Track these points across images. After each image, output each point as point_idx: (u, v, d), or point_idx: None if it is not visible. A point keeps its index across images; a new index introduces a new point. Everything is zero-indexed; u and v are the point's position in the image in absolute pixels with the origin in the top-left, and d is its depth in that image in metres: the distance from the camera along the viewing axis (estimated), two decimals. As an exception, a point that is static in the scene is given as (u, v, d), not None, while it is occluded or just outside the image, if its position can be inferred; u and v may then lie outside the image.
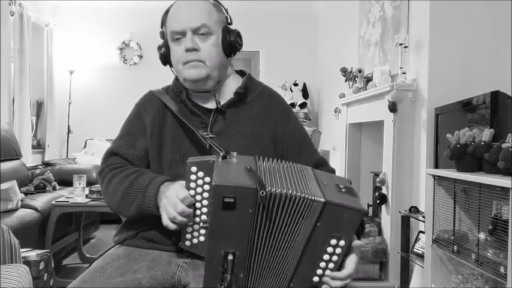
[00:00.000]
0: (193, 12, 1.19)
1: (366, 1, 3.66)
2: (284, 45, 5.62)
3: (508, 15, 2.52)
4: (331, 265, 1.00)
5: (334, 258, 0.99)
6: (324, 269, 1.00)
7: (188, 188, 1.02)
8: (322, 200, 0.94)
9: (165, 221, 1.05)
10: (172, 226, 1.04)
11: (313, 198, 0.94)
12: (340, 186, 1.02)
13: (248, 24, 5.25)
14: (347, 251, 1.01)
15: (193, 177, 1.01)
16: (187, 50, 1.18)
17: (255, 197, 0.92)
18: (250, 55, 5.66)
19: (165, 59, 1.26)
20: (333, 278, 1.00)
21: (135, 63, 5.55)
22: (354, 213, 0.96)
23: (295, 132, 1.28)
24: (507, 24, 2.53)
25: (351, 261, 1.02)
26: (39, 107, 5.16)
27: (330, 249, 0.98)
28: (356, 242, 1.03)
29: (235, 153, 1.04)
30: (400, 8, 2.94)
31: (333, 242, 0.97)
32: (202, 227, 1.03)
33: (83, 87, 5.44)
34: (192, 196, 1.02)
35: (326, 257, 0.99)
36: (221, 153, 1.02)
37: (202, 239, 1.05)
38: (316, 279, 1.00)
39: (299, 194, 0.95)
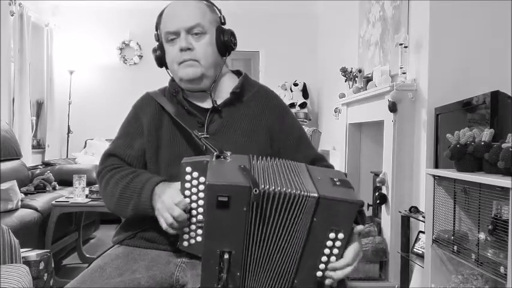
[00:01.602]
0: (187, 12, 1.20)
1: (366, 1, 3.66)
2: (284, 45, 5.62)
3: (508, 15, 2.52)
4: (333, 258, 1.00)
5: (335, 251, 1.00)
6: (326, 263, 1.00)
7: (183, 188, 1.02)
8: (316, 195, 0.95)
9: (163, 224, 1.05)
10: (171, 231, 1.05)
11: (306, 194, 0.95)
12: (335, 179, 1.03)
13: (248, 24, 5.28)
14: (348, 241, 1.01)
15: (188, 177, 1.01)
16: (181, 50, 1.19)
17: (249, 196, 0.93)
18: (250, 55, 5.66)
19: (161, 61, 1.26)
20: (332, 269, 1.00)
21: (135, 63, 5.55)
22: (349, 206, 0.97)
23: (291, 129, 1.29)
24: (507, 24, 2.52)
25: (350, 251, 1.02)
26: (39, 107, 5.16)
27: (329, 243, 0.99)
28: (356, 229, 1.03)
29: (229, 153, 1.04)
30: (400, 8, 2.94)
31: (332, 235, 0.98)
32: (199, 227, 1.04)
33: (83, 87, 5.44)
34: (187, 196, 1.02)
35: (327, 251, 0.99)
36: (215, 153, 1.03)
37: (199, 239, 1.05)
38: (319, 273, 1.01)
39: (293, 191, 0.95)
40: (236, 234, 0.96)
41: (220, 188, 0.93)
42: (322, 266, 1.00)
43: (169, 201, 1.03)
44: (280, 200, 0.95)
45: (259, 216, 0.96)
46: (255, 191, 0.92)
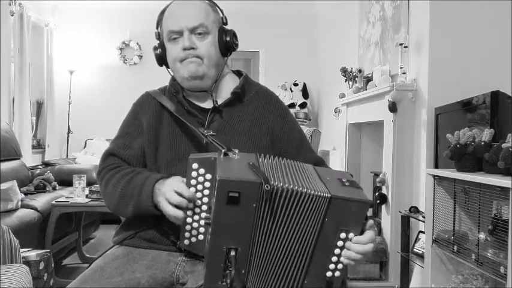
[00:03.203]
0: (190, 11, 1.20)
1: (366, 1, 3.66)
2: (284, 45, 5.62)
3: (508, 15, 2.52)
4: (343, 259, 1.00)
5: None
6: (336, 263, 1.00)
7: (188, 185, 1.02)
8: (328, 195, 0.95)
9: (166, 210, 1.03)
10: (173, 211, 1.02)
11: (318, 194, 0.95)
12: (343, 180, 1.03)
13: (248, 24, 5.27)
14: None
15: (194, 174, 1.01)
16: (184, 49, 1.19)
17: (260, 192, 0.92)
18: (250, 55, 5.66)
19: (162, 60, 1.26)
20: (355, 242, 0.98)
21: (135, 63, 5.55)
22: (360, 206, 0.97)
23: (293, 132, 1.29)
24: (507, 24, 2.52)
25: (368, 232, 1.01)
26: (39, 107, 5.16)
27: (340, 243, 0.99)
28: (369, 222, 1.03)
29: (236, 150, 1.04)
30: (400, 8, 2.94)
31: (342, 235, 0.98)
32: (202, 225, 1.03)
33: (83, 87, 5.44)
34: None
35: (337, 251, 0.99)
36: (223, 150, 1.02)
37: (201, 237, 1.04)
38: (329, 274, 1.00)
39: (304, 190, 0.94)
40: (244, 231, 0.95)
41: (232, 183, 0.92)
42: (332, 266, 1.00)
43: (170, 185, 1.03)
44: (290, 198, 0.95)
45: (269, 213, 0.95)
46: (267, 187, 0.91)
